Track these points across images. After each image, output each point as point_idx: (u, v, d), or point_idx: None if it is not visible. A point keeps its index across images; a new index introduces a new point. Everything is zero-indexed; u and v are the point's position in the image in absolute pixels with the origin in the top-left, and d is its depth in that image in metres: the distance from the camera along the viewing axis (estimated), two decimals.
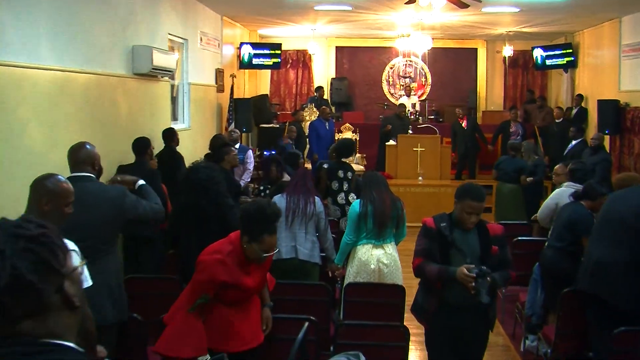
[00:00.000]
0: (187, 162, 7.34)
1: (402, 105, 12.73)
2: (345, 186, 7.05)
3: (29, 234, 1.20)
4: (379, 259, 5.08)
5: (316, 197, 5.24)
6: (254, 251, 3.35)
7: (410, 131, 11.82)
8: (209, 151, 7.37)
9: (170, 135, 7.37)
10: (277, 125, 13.14)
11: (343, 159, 7.16)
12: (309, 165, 10.87)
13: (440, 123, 13.86)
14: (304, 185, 5.21)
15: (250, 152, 9.09)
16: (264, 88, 15.55)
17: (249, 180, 8.93)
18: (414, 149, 11.25)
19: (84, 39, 5.72)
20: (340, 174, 7.04)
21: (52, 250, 1.21)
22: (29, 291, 1.16)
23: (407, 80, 15.55)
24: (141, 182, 4.09)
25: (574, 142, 10.08)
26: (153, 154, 6.44)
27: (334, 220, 6.75)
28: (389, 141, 11.78)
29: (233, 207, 4.68)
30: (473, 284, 3.46)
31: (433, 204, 10.45)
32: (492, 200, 10.44)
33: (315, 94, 14.33)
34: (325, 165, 7.22)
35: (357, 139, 12.45)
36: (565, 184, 5.98)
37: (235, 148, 8.69)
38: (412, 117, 13.21)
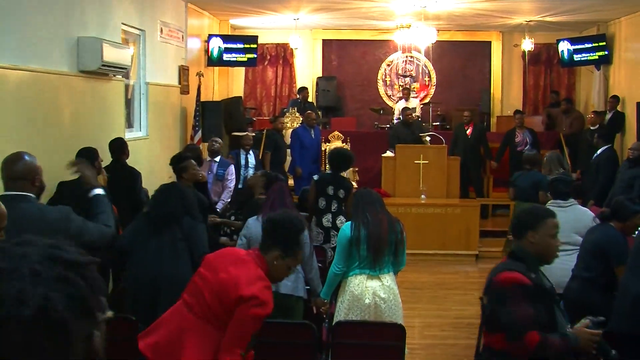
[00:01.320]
0: (145, 178, 7.47)
1: (407, 109, 12.71)
2: (334, 206, 7.08)
3: (68, 258, 1.18)
4: (375, 293, 5.10)
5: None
6: (283, 269, 3.41)
7: (428, 138, 11.72)
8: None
9: (119, 147, 7.38)
10: (253, 134, 13.06)
11: (340, 173, 7.27)
12: (291, 182, 10.87)
13: (447, 130, 13.92)
14: (282, 204, 5.26)
15: (231, 168, 9.16)
16: (237, 89, 15.61)
17: (229, 200, 8.96)
18: (416, 161, 11.23)
19: (17, 29, 5.69)
20: (330, 190, 7.09)
21: (92, 287, 1.18)
22: (56, 331, 1.11)
23: (408, 80, 15.67)
24: (98, 191, 4.07)
25: (599, 151, 10.11)
26: (102, 167, 6.47)
27: (318, 246, 6.80)
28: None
29: (198, 227, 4.81)
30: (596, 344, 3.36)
31: (438, 227, 10.47)
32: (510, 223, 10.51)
33: (298, 96, 14.41)
34: (316, 177, 7.30)
35: (348, 149, 12.43)
36: (549, 202, 6.05)
37: (215, 161, 8.84)
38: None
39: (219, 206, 8.46)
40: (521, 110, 13.59)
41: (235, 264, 3.35)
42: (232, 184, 9.03)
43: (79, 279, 1.16)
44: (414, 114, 13.23)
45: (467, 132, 12.22)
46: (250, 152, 10.13)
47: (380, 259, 5.12)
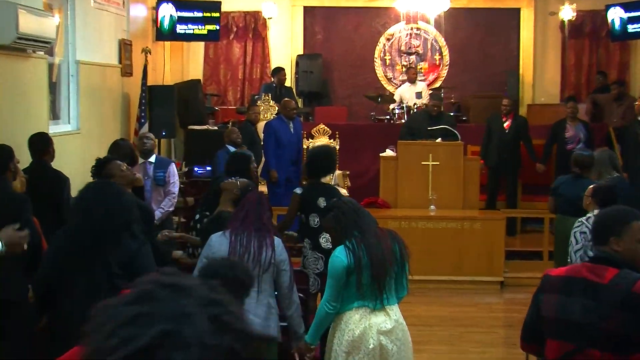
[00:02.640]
0: (76, 185, 7.36)
1: (435, 96, 12.64)
2: None
3: (238, 328, 1.38)
4: (380, 331, 5.12)
5: (276, 238, 5.35)
6: None
7: (439, 139, 11.63)
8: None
9: (41, 145, 7.40)
10: (215, 127, 13.24)
11: (322, 179, 7.27)
12: (264, 188, 10.82)
13: (464, 123, 13.89)
14: (257, 219, 5.29)
15: (172, 168, 9.17)
16: (195, 71, 15.60)
17: (171, 209, 9.07)
18: (424, 162, 11.21)
19: None
20: (322, 202, 7.10)
21: (243, 342, 1.39)
22: None
23: (413, 58, 15.65)
24: None
25: None
26: (19, 169, 6.48)
27: (306, 272, 6.89)
28: None
29: (142, 251, 4.73)
30: None
31: (453, 247, 10.47)
32: (545, 241, 10.50)
33: (272, 79, 14.42)
34: (299, 191, 7.34)
35: (337, 147, 12.44)
36: (594, 212, 6.31)
37: (150, 162, 8.95)
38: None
39: (157, 215, 8.46)
40: (573, 96, 13.53)
41: None
42: (175, 188, 9.11)
43: (234, 334, 1.37)
44: (420, 102, 13.24)
45: (505, 125, 12.23)
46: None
47: (385, 287, 5.16)
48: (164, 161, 9.27)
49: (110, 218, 4.60)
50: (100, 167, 6.50)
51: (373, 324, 5.10)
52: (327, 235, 6.93)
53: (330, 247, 6.73)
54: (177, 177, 9.24)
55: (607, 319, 3.62)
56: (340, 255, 5.17)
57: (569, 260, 6.47)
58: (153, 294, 1.37)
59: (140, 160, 8.97)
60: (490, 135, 12.21)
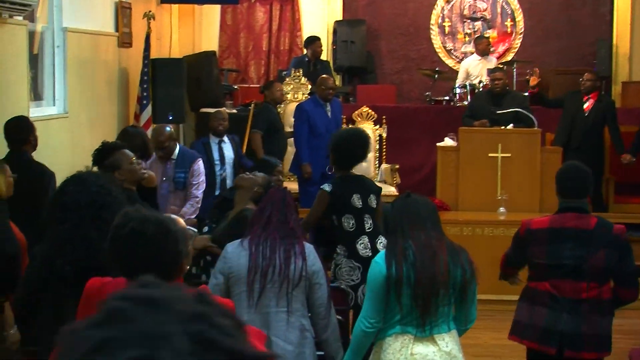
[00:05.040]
0: (61, 181, 7.42)
1: (497, 70, 12.61)
2: (369, 223, 7.17)
3: (226, 347, 1.37)
4: None
5: (307, 244, 5.41)
6: None
7: (511, 125, 11.63)
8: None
9: (20, 132, 7.46)
10: (234, 110, 13.31)
11: (354, 170, 7.35)
12: (293, 185, 10.81)
13: (541, 105, 13.84)
14: (283, 222, 5.34)
15: (199, 165, 9.21)
16: (209, 41, 15.59)
17: (193, 217, 8.95)
18: (491, 154, 11.27)
19: None
20: (357, 200, 7.14)
21: None
22: None
23: (479, 24, 15.68)
24: None
25: None
26: (7, 170, 6.53)
27: (345, 289, 6.88)
28: None
29: None
30: None
31: None
32: None
33: (305, 51, 14.50)
34: (328, 187, 7.29)
35: (384, 135, 12.51)
36: None
37: (172, 159, 9.12)
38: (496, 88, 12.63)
39: None
40: None
41: None
42: (200, 191, 9.10)
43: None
44: (487, 79, 13.23)
45: (585, 106, 12.18)
46: (225, 139, 10.28)
47: (435, 311, 5.14)
48: (186, 156, 9.22)
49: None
50: (105, 154, 6.52)
51: (417, 354, 5.11)
52: (366, 240, 7.09)
53: (371, 255, 6.91)
54: (203, 177, 9.25)
55: (595, 257, 5.87)
56: (379, 261, 5.20)
57: None
58: (125, 312, 1.35)
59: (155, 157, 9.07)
60: (572, 120, 12.20)
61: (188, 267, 3.96)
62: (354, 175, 7.40)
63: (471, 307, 5.30)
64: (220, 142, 10.27)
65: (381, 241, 7.01)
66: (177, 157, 9.06)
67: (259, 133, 11.36)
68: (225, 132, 10.30)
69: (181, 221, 4.03)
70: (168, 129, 9.31)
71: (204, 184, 9.25)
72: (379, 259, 5.25)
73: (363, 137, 7.53)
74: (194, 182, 9.03)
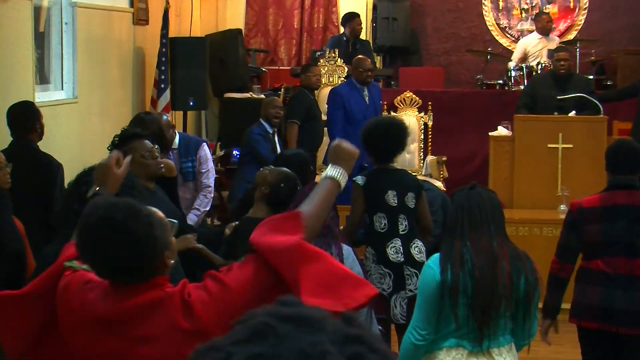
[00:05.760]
0: (72, 174, 7.39)
1: (561, 49, 12.53)
2: (404, 225, 7.23)
3: (369, 352, 1.51)
4: None
5: (345, 246, 5.52)
6: None
7: (573, 112, 11.58)
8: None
9: (25, 119, 7.57)
10: (261, 95, 13.30)
11: (391, 162, 7.43)
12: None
13: (607, 87, 13.85)
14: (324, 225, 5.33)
15: (204, 150, 9.13)
16: (234, 18, 15.82)
17: (208, 209, 9.18)
18: (551, 145, 11.20)
19: None
20: (391, 197, 7.21)
21: None
22: None
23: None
24: None
25: None
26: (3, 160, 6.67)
27: (385, 295, 6.97)
28: None
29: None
30: None
31: None
32: None
33: (343, 29, 14.53)
34: (360, 180, 7.36)
35: (429, 123, 12.57)
36: None
37: (173, 149, 8.99)
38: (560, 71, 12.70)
39: (192, 218, 8.60)
40: None
41: None
42: (211, 179, 9.08)
43: None
44: (548, 61, 13.11)
45: None
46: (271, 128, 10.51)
47: (493, 324, 5.15)
48: (190, 142, 9.12)
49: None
50: (121, 141, 6.45)
51: None
52: (398, 244, 7.17)
53: (402, 260, 7.13)
54: (211, 163, 9.22)
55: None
56: (433, 266, 5.23)
57: None
58: (275, 329, 1.46)
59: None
60: None
61: (173, 262, 3.85)
62: (392, 169, 7.44)
63: (532, 320, 5.31)
64: (275, 132, 10.38)
65: (417, 245, 7.15)
66: (180, 145, 8.93)
67: (296, 123, 11.49)
68: (280, 123, 10.49)
69: (159, 212, 3.92)
70: (165, 117, 9.23)
71: (214, 171, 9.32)
72: (433, 263, 5.26)
73: (396, 127, 7.49)
74: (203, 170, 8.97)
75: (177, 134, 9.08)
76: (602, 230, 6.36)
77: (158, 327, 3.62)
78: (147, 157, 6.45)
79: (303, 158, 8.12)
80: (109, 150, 6.50)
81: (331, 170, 4.07)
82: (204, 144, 9.24)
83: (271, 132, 10.51)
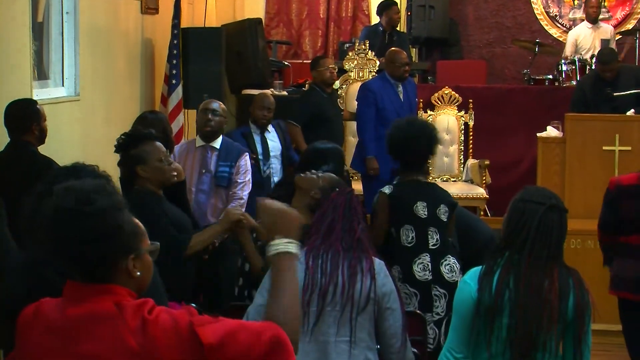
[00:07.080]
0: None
1: (605, 52, 12.54)
2: (435, 239, 7.26)
3: None
4: None
5: (377, 260, 5.46)
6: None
7: (632, 110, 11.64)
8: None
9: (23, 119, 7.67)
10: (284, 92, 13.67)
11: (419, 172, 7.51)
12: (358, 186, 10.87)
13: None
14: (347, 231, 5.42)
15: (244, 160, 9.37)
16: (253, 6, 16.06)
17: None
18: (606, 147, 11.28)
19: None
20: (421, 209, 7.28)
21: None
22: None
23: None
24: None
25: None
26: None
27: (421, 314, 6.84)
28: None
29: None
30: None
31: None
32: None
33: (379, 19, 14.56)
34: (388, 190, 7.43)
35: (470, 123, 12.71)
36: None
37: (214, 148, 9.40)
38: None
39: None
40: None
41: None
42: (245, 191, 9.24)
43: None
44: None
45: None
46: (270, 128, 10.49)
47: (535, 348, 5.07)
48: (232, 148, 9.27)
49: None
50: (132, 141, 6.64)
51: None
52: (427, 260, 7.19)
53: (431, 279, 7.15)
54: (250, 176, 9.38)
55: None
56: (470, 282, 5.16)
57: None
58: None
59: (199, 142, 9.31)
60: None
61: (139, 273, 3.66)
62: (423, 182, 7.48)
63: (583, 347, 5.15)
64: (264, 132, 10.41)
65: (448, 263, 7.16)
66: (221, 148, 9.19)
67: (297, 127, 11.52)
68: (269, 122, 10.53)
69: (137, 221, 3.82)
70: (216, 105, 9.48)
71: (250, 185, 9.36)
72: (470, 279, 5.19)
73: (428, 131, 7.55)
74: (240, 181, 9.19)
75: (221, 137, 9.29)
76: (638, 206, 7.27)
77: (101, 345, 3.48)
78: (164, 162, 6.61)
79: (340, 154, 8.24)
80: (117, 146, 6.73)
81: (273, 248, 3.77)
82: (246, 154, 9.40)
83: (259, 131, 10.56)
